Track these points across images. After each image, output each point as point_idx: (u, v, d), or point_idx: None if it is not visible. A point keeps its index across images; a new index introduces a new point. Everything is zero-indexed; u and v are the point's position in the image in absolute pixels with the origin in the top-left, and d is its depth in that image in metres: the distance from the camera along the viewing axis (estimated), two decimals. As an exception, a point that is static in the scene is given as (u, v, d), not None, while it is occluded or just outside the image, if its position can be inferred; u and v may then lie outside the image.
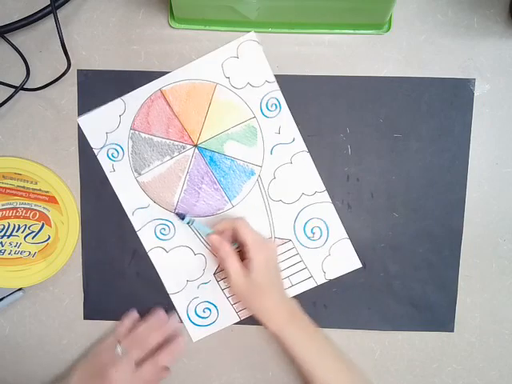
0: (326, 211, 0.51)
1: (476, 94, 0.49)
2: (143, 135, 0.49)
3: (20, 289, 0.52)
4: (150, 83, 0.49)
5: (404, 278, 0.51)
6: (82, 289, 0.52)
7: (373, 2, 0.44)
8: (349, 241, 0.51)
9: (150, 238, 0.51)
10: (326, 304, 0.52)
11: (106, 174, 0.50)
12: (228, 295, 0.52)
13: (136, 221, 0.51)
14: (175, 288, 0.52)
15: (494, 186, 0.50)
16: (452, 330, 0.52)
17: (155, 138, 0.50)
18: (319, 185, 0.50)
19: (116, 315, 0.52)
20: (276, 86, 0.49)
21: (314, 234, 0.51)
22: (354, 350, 0.53)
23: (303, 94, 0.49)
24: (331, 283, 0.52)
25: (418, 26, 0.48)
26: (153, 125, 0.49)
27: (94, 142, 0.50)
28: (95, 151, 0.50)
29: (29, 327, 0.53)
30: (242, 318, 0.52)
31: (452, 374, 0.53)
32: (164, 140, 0.50)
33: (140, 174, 0.50)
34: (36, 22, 0.47)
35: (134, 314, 0.52)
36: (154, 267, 0.52)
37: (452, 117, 0.49)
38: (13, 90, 0.48)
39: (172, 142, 0.50)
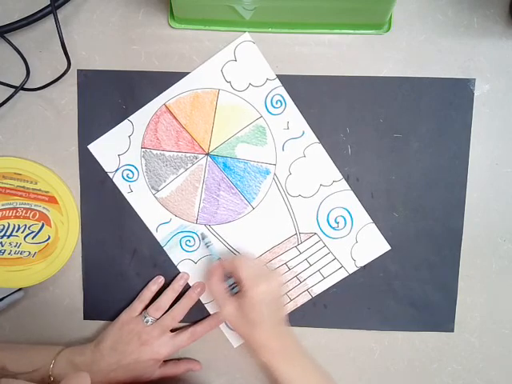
0: (346, 199, 0.50)
1: (476, 93, 0.49)
2: (155, 152, 0.50)
3: (20, 289, 0.52)
4: (154, 100, 0.49)
5: (404, 278, 0.51)
6: (81, 289, 0.52)
7: (373, 2, 0.43)
8: (374, 225, 0.51)
9: (176, 251, 0.51)
10: (326, 304, 0.52)
11: (124, 195, 0.51)
12: None
13: (160, 237, 0.51)
14: (208, 298, 0.52)
15: (493, 186, 0.50)
16: (452, 330, 0.52)
17: (167, 153, 0.50)
18: (336, 174, 0.50)
19: (116, 315, 0.52)
20: (278, 82, 0.49)
21: (338, 223, 0.51)
22: (354, 350, 0.53)
23: (303, 94, 0.49)
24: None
25: (417, 26, 0.48)
26: (162, 140, 0.50)
27: (108, 166, 0.50)
28: (110, 175, 0.50)
29: (29, 327, 0.53)
30: None
31: (452, 374, 0.53)
32: (176, 153, 0.50)
33: (157, 191, 0.51)
34: (36, 21, 0.47)
35: (159, 279, 0.52)
36: (154, 267, 0.52)
37: (452, 117, 0.49)
38: (13, 90, 0.48)
39: (184, 154, 0.50)
